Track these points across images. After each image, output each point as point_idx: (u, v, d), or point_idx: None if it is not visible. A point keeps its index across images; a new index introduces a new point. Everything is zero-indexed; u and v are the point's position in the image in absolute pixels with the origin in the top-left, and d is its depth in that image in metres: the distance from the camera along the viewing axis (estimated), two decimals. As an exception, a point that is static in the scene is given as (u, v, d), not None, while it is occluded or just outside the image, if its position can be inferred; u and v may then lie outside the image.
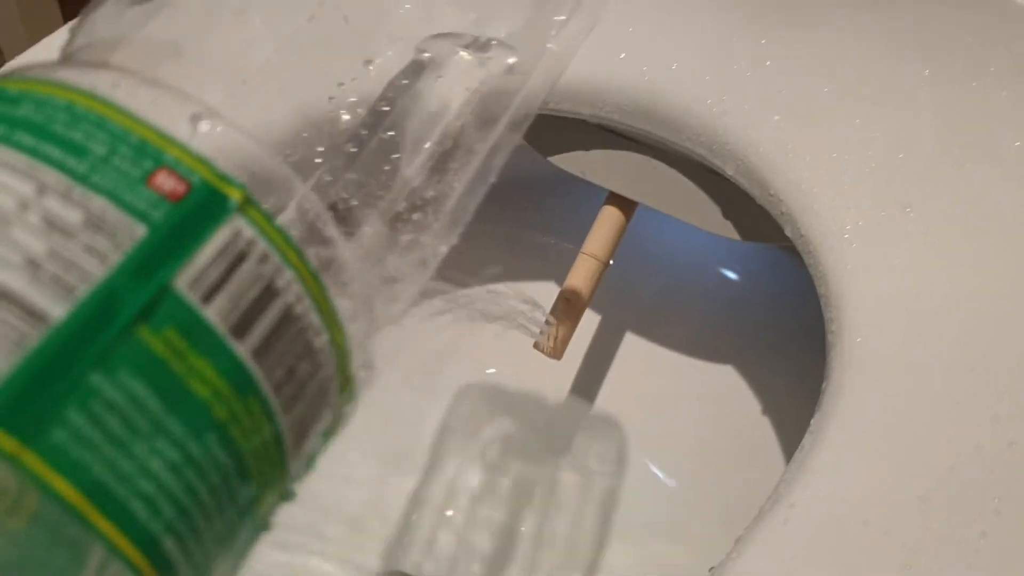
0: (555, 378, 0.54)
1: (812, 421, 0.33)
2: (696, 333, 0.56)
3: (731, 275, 0.58)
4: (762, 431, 0.50)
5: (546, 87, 0.21)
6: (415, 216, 0.19)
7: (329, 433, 0.18)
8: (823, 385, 0.34)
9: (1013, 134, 0.38)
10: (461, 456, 0.52)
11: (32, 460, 0.14)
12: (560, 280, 0.47)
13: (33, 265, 0.14)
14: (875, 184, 0.38)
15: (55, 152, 0.15)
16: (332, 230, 0.17)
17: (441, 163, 0.19)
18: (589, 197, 0.49)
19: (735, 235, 0.46)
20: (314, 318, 0.16)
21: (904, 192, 0.37)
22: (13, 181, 0.15)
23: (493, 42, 0.21)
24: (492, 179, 0.20)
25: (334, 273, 0.17)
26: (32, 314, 0.14)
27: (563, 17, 0.21)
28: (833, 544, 0.30)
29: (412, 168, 0.19)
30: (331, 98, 0.19)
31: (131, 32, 0.18)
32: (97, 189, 0.15)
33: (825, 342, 0.35)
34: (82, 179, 0.15)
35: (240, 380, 0.15)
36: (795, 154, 0.39)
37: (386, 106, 0.19)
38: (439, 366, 0.53)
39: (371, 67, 0.19)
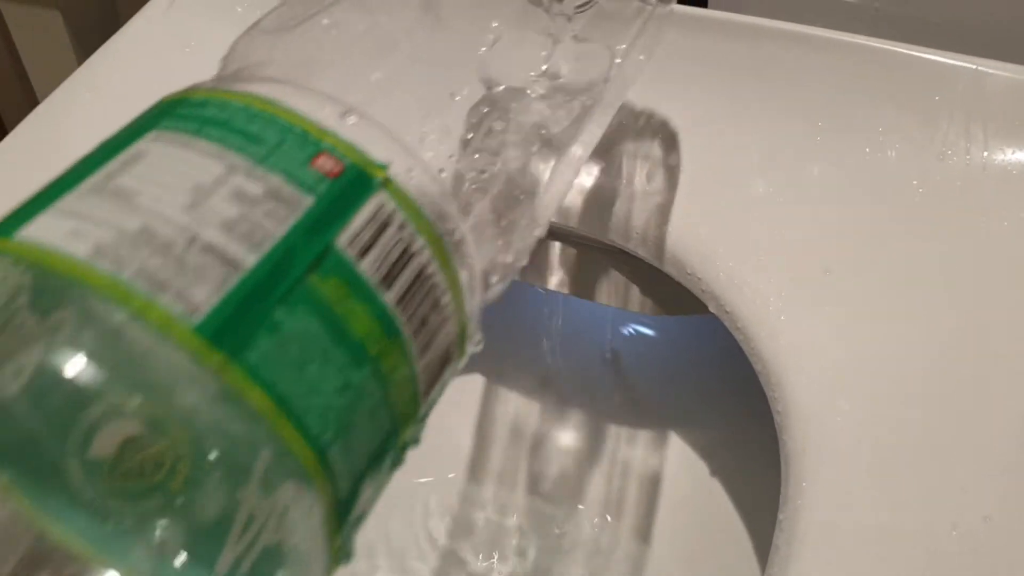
0: (480, 456, 0.53)
1: (780, 515, 0.32)
2: (626, 399, 0.54)
3: (648, 332, 0.57)
4: (714, 494, 0.49)
5: (616, 103, 0.25)
6: (514, 203, 0.22)
7: (443, 387, 0.21)
8: (782, 471, 0.33)
9: (910, 174, 0.39)
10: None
11: (234, 371, 0.17)
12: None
13: (229, 225, 0.18)
14: (790, 251, 0.37)
15: (238, 141, 0.19)
16: (453, 208, 0.20)
17: (532, 165, 0.23)
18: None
19: (660, 312, 0.45)
20: (441, 279, 0.20)
21: (819, 255, 0.37)
22: (209, 163, 0.18)
23: (562, 72, 0.25)
24: (572, 180, 0.23)
25: (455, 244, 0.20)
26: (230, 262, 0.17)
27: (624, 46, 0.25)
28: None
29: (513, 162, 0.22)
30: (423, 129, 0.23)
31: (270, 55, 0.22)
32: (273, 168, 0.19)
33: (772, 418, 0.34)
34: (261, 161, 0.19)
35: (387, 323, 0.19)
36: (705, 230, 0.39)
37: (471, 132, 0.23)
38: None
39: (457, 98, 0.23)
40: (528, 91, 0.24)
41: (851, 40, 0.41)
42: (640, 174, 0.41)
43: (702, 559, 0.48)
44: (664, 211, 0.40)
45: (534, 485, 0.52)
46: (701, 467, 0.50)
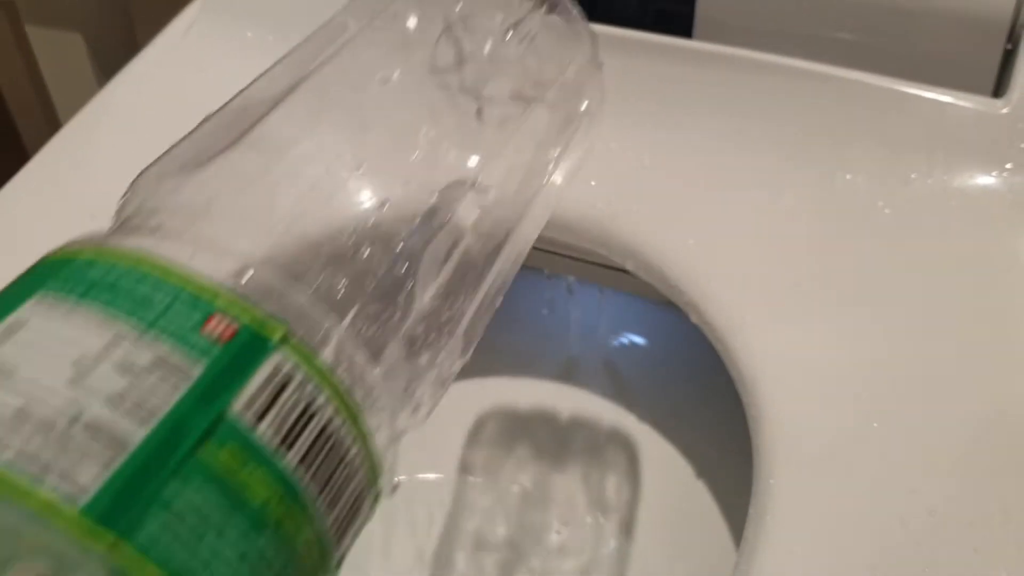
0: (468, 455, 0.54)
1: (750, 510, 0.34)
2: (614, 403, 0.56)
3: (638, 340, 0.58)
4: (700, 496, 0.51)
5: (544, 216, 0.24)
6: (431, 338, 0.22)
7: (359, 531, 0.21)
8: (754, 470, 0.35)
9: (877, 196, 0.41)
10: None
11: (125, 551, 0.17)
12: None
13: (114, 399, 0.18)
14: (763, 266, 0.39)
15: (126, 305, 0.19)
16: (360, 357, 0.20)
17: (453, 290, 0.23)
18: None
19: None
20: (347, 431, 0.20)
21: (790, 270, 0.39)
22: (93, 331, 0.18)
23: (491, 185, 0.25)
24: (498, 303, 0.23)
25: (363, 393, 0.20)
26: (117, 439, 0.17)
27: (555, 153, 0.25)
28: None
29: (427, 295, 0.22)
30: (351, 236, 0.23)
31: (166, 201, 0.22)
32: (162, 335, 0.18)
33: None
34: (150, 327, 0.18)
35: (288, 486, 0.19)
36: (685, 245, 0.41)
37: (400, 243, 0.23)
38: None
39: (386, 207, 0.23)
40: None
41: (825, 71, 0.44)
42: (623, 194, 0.42)
43: (687, 557, 0.49)
44: (647, 230, 0.41)
45: (523, 484, 0.53)
46: (687, 469, 0.52)
